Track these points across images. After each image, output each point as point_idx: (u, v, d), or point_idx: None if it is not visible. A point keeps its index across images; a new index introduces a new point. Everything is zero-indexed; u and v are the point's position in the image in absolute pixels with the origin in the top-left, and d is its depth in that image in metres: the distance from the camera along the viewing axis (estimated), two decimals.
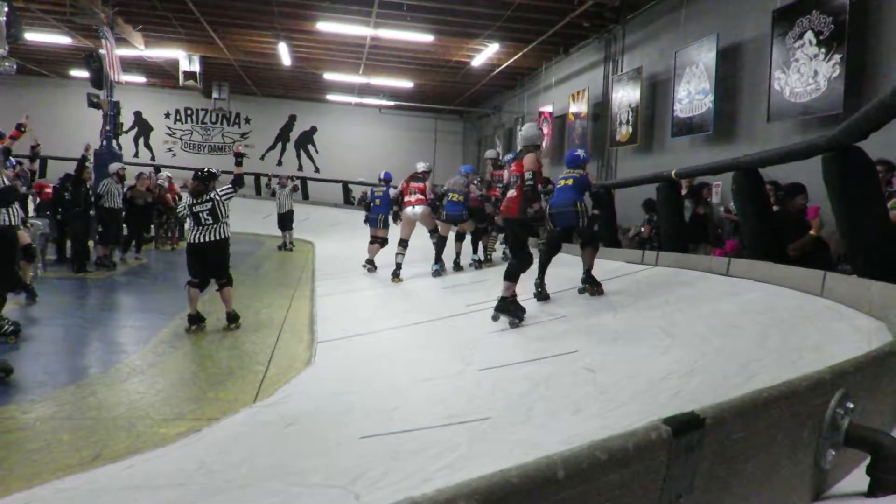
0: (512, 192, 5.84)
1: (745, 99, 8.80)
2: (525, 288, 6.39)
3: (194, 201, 6.67)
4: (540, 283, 6.33)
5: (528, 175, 5.72)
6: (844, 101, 6.75)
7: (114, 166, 10.91)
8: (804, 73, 7.31)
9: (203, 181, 6.72)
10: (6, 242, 5.53)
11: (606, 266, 6.98)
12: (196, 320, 6.66)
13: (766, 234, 5.76)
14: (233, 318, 6.85)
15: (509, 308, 5.65)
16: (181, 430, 3.89)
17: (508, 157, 9.91)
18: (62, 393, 4.55)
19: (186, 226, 6.99)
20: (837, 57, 6.86)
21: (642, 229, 9.16)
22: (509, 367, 4.45)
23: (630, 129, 11.53)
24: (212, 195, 6.67)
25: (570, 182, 6.30)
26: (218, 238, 6.67)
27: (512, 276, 5.70)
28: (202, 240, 6.63)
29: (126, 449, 3.59)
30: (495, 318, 5.78)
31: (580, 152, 6.70)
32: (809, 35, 7.24)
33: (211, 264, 6.75)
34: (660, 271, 6.45)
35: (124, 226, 11.69)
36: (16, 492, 2.97)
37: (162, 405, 4.43)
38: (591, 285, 6.21)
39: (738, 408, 0.93)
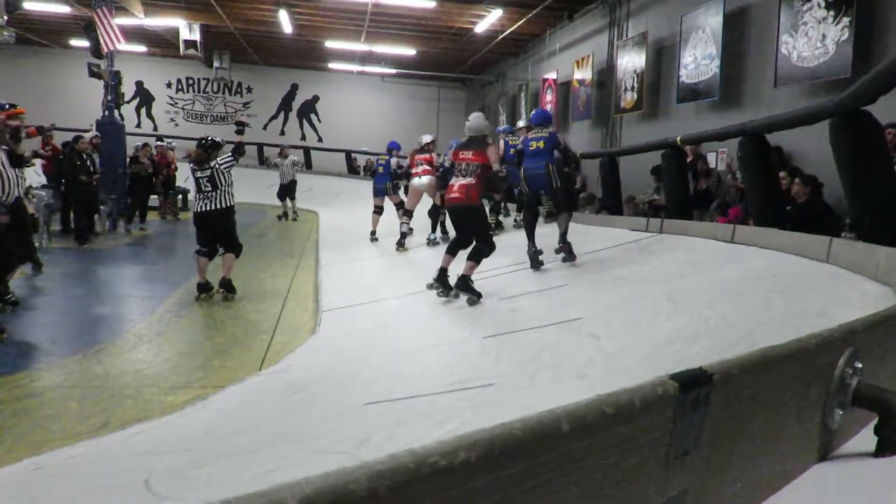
0: (469, 180, 5.79)
1: (751, 64, 8.68)
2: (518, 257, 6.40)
3: (196, 168, 6.68)
4: (534, 250, 6.32)
5: (496, 167, 5.95)
6: (853, 64, 6.65)
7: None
8: (812, 37, 7.20)
9: (206, 149, 6.70)
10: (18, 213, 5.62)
11: (611, 233, 6.96)
12: (204, 289, 6.69)
13: (772, 200, 5.73)
14: (225, 285, 6.76)
15: (469, 287, 5.58)
16: (188, 398, 3.92)
17: (505, 126, 9.79)
18: (70, 362, 4.58)
19: (190, 196, 6.98)
20: (846, 20, 6.75)
21: (656, 196, 9.10)
22: (513, 334, 4.46)
23: (635, 96, 11.41)
24: (213, 165, 6.63)
25: (541, 144, 6.38)
26: (220, 206, 6.64)
27: (477, 258, 5.65)
28: (204, 208, 6.65)
29: (134, 416, 3.62)
30: (431, 287, 5.91)
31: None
32: None
33: (217, 233, 6.77)
34: (664, 238, 6.42)
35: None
36: (26, 458, 3.01)
37: (168, 373, 4.47)
38: (564, 250, 6.30)
39: (745, 365, 0.92)
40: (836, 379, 1.24)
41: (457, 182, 5.87)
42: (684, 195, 7.38)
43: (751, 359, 0.92)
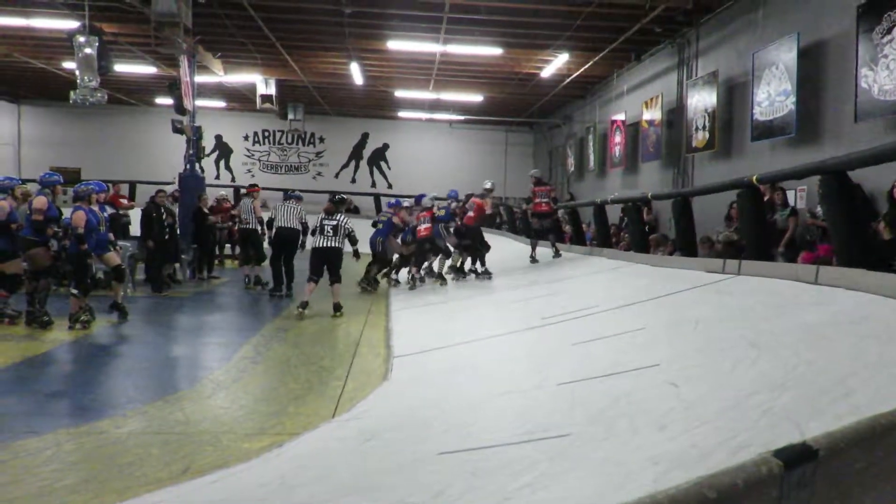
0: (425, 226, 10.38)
1: (829, 99, 8.42)
2: (588, 302, 6.26)
3: (325, 217, 8.96)
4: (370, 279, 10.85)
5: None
6: None
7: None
8: (893, 70, 6.94)
9: (336, 204, 9.42)
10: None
11: (686, 275, 6.76)
12: (305, 306, 8.54)
13: (858, 239, 5.46)
14: (338, 308, 8.67)
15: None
16: (264, 445, 3.97)
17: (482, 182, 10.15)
18: (152, 408, 4.72)
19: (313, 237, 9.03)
20: None
21: (722, 234, 8.82)
22: (588, 381, 4.34)
23: (707, 135, 11.20)
24: (339, 218, 8.96)
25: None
26: (336, 245, 8.91)
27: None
28: (324, 245, 8.85)
29: (212, 463, 3.68)
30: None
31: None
32: None
33: (330, 265, 8.87)
34: (742, 280, 6.20)
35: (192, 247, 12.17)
36: None
37: (245, 420, 4.54)
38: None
39: (854, 436, 0.84)
40: None
41: None
42: (763, 235, 7.13)
43: (859, 429, 0.85)
